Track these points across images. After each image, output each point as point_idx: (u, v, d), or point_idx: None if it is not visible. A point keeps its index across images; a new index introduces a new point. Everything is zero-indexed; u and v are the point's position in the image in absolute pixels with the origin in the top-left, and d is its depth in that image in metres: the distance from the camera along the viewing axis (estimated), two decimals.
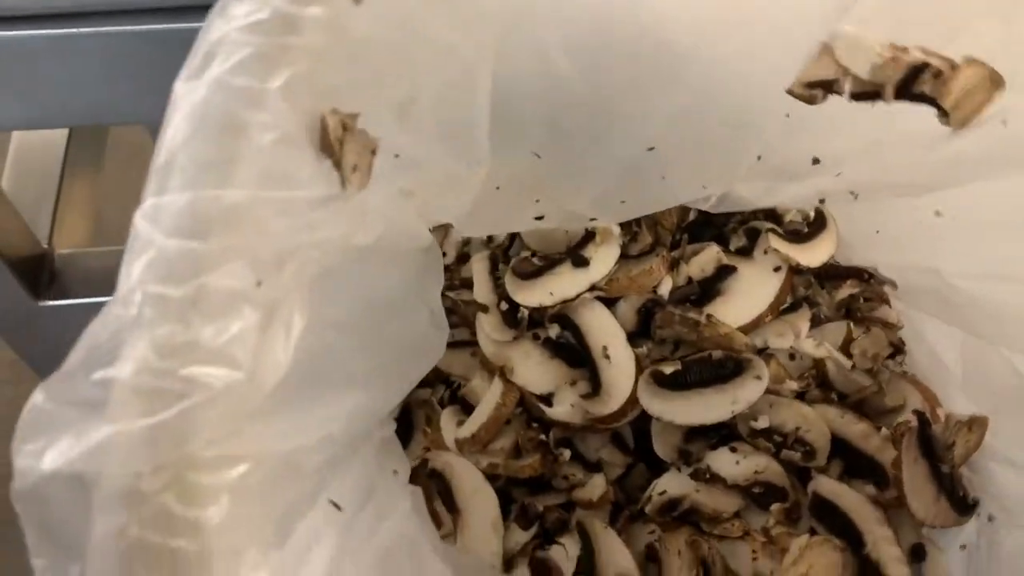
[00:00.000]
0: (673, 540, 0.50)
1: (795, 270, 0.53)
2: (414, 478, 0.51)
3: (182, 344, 0.24)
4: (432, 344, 0.45)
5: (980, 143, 0.40)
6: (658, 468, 0.53)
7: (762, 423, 0.51)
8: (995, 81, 0.39)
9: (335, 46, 0.28)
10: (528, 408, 0.53)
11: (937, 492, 0.49)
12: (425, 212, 0.40)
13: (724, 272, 0.54)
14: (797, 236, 0.54)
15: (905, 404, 0.53)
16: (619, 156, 0.39)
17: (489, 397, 0.52)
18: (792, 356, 0.54)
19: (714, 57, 0.38)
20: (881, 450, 0.50)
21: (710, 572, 0.48)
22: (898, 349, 0.54)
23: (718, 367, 0.51)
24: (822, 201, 0.48)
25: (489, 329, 0.54)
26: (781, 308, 0.53)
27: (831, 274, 0.56)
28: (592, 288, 0.53)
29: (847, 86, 0.41)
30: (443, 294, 0.57)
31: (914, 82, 0.40)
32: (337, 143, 0.29)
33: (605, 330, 0.52)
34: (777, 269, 0.53)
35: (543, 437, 0.53)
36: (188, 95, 0.26)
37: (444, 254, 0.58)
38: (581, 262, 0.53)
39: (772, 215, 0.56)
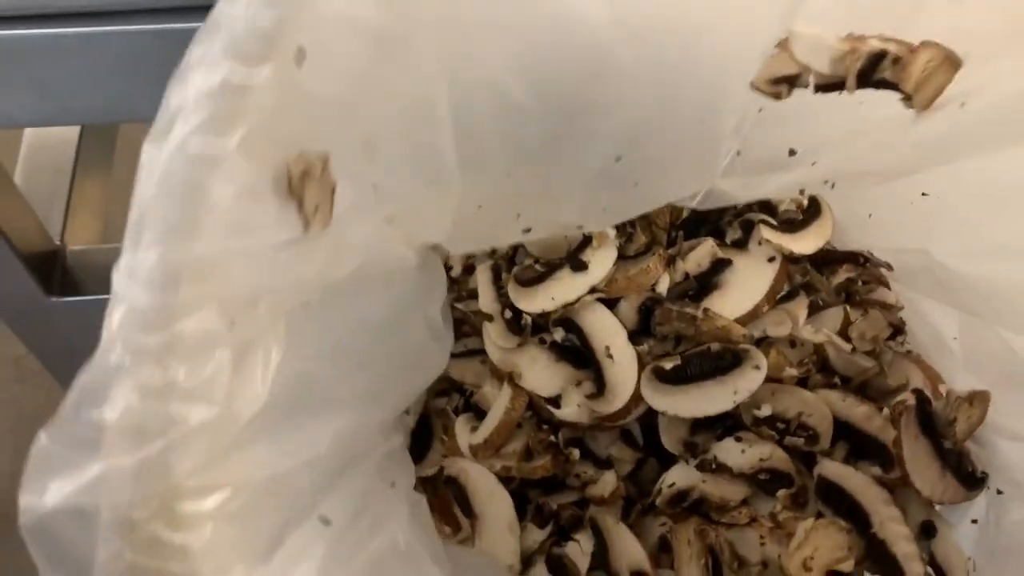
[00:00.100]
0: (683, 530, 0.51)
1: (790, 259, 0.54)
2: (432, 486, 0.53)
3: (161, 387, 0.27)
4: (432, 357, 0.47)
5: (944, 124, 0.40)
6: (668, 461, 0.55)
7: (765, 411, 0.52)
8: (953, 62, 0.40)
9: (288, 101, 0.30)
10: (538, 411, 0.55)
11: (942, 469, 0.49)
12: (409, 236, 0.42)
13: (720, 266, 0.55)
14: (791, 225, 0.55)
15: (908, 383, 0.53)
16: (587, 170, 0.40)
17: (499, 403, 0.54)
18: (793, 343, 0.54)
19: (672, 65, 0.40)
20: (884, 430, 0.51)
21: (719, 559, 0.50)
22: (898, 330, 0.55)
23: (717, 359, 0.52)
24: (802, 192, 0.49)
25: (495, 337, 0.56)
26: (778, 297, 0.54)
27: (827, 260, 0.56)
28: (592, 290, 0.54)
29: (810, 80, 0.42)
30: (453, 305, 0.60)
31: (875, 70, 0.41)
32: (299, 187, 0.32)
33: (607, 330, 0.54)
34: (771, 259, 0.54)
35: (553, 438, 0.54)
36: (154, 157, 0.29)
37: (451, 268, 0.61)
38: (580, 266, 0.54)
39: (767, 206, 0.57)
